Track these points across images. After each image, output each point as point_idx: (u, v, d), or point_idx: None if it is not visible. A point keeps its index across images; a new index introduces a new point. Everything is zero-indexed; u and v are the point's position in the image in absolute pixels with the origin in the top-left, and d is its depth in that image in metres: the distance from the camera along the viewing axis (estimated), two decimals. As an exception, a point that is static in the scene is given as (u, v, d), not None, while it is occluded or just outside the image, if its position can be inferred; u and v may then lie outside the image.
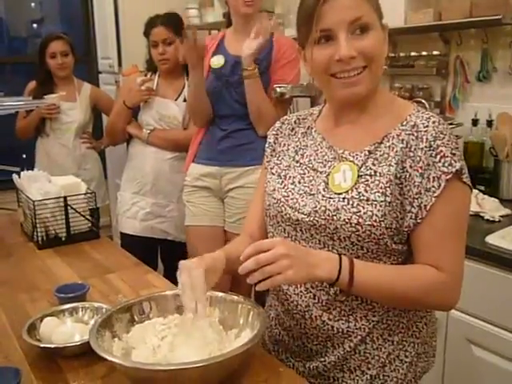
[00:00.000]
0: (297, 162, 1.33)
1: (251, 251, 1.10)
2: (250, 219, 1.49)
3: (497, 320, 1.90)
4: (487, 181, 2.46)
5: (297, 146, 1.35)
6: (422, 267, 1.17)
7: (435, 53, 2.70)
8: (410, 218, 1.16)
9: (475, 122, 2.56)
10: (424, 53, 2.71)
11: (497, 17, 2.21)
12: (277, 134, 1.43)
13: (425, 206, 1.14)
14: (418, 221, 1.15)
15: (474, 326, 1.97)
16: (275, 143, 1.42)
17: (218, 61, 2.45)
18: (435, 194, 1.13)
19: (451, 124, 2.53)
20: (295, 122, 1.42)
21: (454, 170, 1.12)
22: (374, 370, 1.26)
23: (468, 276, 1.93)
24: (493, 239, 1.93)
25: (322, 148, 1.29)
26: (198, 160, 2.59)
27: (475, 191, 2.32)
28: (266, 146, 1.44)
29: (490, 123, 2.51)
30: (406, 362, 1.27)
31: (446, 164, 1.12)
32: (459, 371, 2.04)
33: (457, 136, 2.51)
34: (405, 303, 1.23)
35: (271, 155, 1.41)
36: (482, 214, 2.20)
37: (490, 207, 2.22)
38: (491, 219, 2.16)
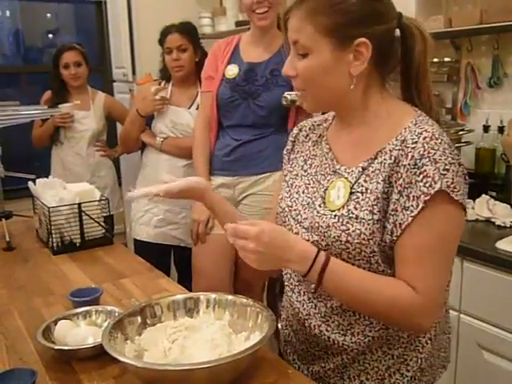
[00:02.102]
0: (305, 171, 1.32)
1: (230, 231, 1.12)
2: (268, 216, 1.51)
3: (508, 325, 1.90)
4: (499, 187, 2.46)
5: (306, 155, 1.35)
6: (399, 282, 1.13)
7: (446, 59, 2.71)
8: (387, 234, 1.13)
9: (486, 129, 2.56)
10: (435, 59, 2.72)
11: (507, 23, 2.22)
12: (294, 141, 1.42)
13: (400, 224, 1.11)
14: (394, 238, 1.12)
15: (484, 331, 1.97)
16: (292, 150, 1.41)
17: (232, 71, 2.43)
18: (412, 214, 1.09)
19: (462, 130, 2.54)
20: (310, 128, 1.40)
21: (432, 191, 1.06)
22: (372, 382, 1.26)
23: (479, 281, 1.95)
24: (503, 244, 1.94)
25: (326, 159, 1.28)
26: (212, 171, 2.59)
27: (486, 197, 2.32)
28: (284, 152, 1.43)
29: (501, 129, 2.51)
30: (407, 376, 1.25)
31: (427, 185, 1.07)
32: (470, 376, 2.03)
33: (468, 142, 2.53)
34: (371, 313, 1.19)
35: (287, 162, 1.41)
36: (493, 220, 2.20)
37: (502, 213, 2.23)
38: (502, 225, 2.16)
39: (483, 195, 2.35)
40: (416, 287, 1.11)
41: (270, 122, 2.42)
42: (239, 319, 1.31)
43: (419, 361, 1.25)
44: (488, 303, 1.95)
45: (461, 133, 2.53)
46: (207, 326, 1.28)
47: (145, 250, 2.91)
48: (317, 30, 1.13)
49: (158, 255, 2.84)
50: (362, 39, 1.13)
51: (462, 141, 2.54)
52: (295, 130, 1.44)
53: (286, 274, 1.33)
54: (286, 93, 2.39)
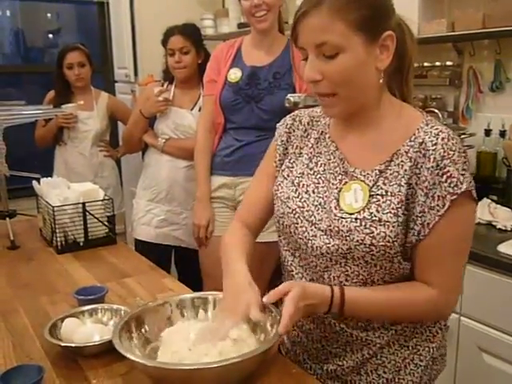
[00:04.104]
0: (310, 169, 1.30)
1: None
2: (248, 206, 1.46)
3: (508, 328, 1.92)
4: (500, 190, 2.48)
5: (310, 153, 1.32)
6: (415, 291, 1.20)
7: (448, 63, 2.72)
8: (413, 235, 1.16)
9: (488, 132, 2.57)
10: (437, 63, 2.74)
11: (510, 28, 2.23)
12: (289, 132, 1.38)
13: (428, 224, 1.14)
14: (421, 237, 1.15)
15: (485, 334, 1.98)
16: (288, 142, 1.37)
17: (234, 75, 2.45)
18: (439, 213, 1.12)
19: (464, 134, 2.56)
20: (308, 123, 1.36)
21: (459, 191, 1.11)
22: (389, 374, 1.28)
23: (480, 284, 1.97)
24: (505, 248, 1.96)
25: (334, 158, 1.26)
26: (213, 171, 2.60)
27: (487, 200, 2.34)
28: (279, 142, 1.38)
29: (502, 133, 2.53)
30: (420, 365, 1.28)
31: (452, 185, 1.11)
32: (470, 379, 2.05)
33: (469, 146, 2.54)
34: (398, 322, 1.27)
35: (283, 154, 1.37)
36: (494, 223, 2.22)
37: (503, 216, 2.24)
38: (503, 228, 2.18)
39: (484, 199, 2.37)
40: (438, 285, 1.17)
41: (273, 124, 2.41)
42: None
43: (431, 350, 1.29)
44: (489, 306, 1.96)
45: (462, 136, 2.54)
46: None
47: (145, 250, 2.90)
48: (347, 27, 1.09)
49: (158, 255, 2.84)
50: (389, 32, 1.13)
51: (464, 144, 2.55)
52: (289, 121, 1.40)
53: (297, 273, 1.31)
54: (289, 95, 2.40)
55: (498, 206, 2.32)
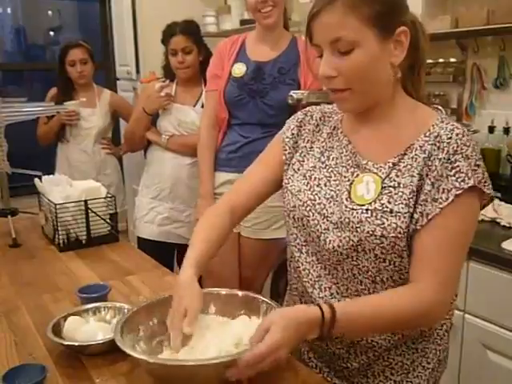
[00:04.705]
0: (322, 163, 1.30)
1: (246, 365, 1.04)
2: (239, 191, 1.45)
3: (513, 325, 1.91)
4: (504, 188, 2.46)
5: (322, 147, 1.32)
6: (407, 300, 1.14)
7: (452, 60, 2.71)
8: (411, 223, 1.14)
9: (492, 129, 2.56)
10: (441, 60, 2.73)
11: (514, 24, 2.22)
12: (300, 126, 1.38)
13: (427, 214, 1.12)
14: (418, 227, 1.14)
15: (489, 331, 1.98)
16: (298, 135, 1.37)
17: (239, 69, 2.44)
18: (441, 206, 1.11)
19: (468, 131, 2.54)
20: (320, 118, 1.37)
21: (466, 186, 1.10)
22: (397, 376, 1.27)
23: (484, 281, 1.96)
24: (509, 245, 1.95)
25: (347, 152, 1.27)
26: (217, 167, 2.60)
27: (491, 197, 2.32)
28: (289, 134, 1.38)
29: (506, 130, 2.52)
30: (428, 368, 1.27)
31: (459, 179, 1.11)
32: (474, 376, 2.04)
33: (473, 143, 2.52)
34: (392, 331, 1.24)
35: (293, 147, 1.37)
36: (498, 221, 2.21)
37: (507, 213, 2.23)
38: (507, 225, 2.17)
39: (488, 196, 2.35)
40: (432, 281, 1.13)
41: (278, 120, 2.40)
42: (253, 316, 1.29)
43: (438, 353, 1.28)
44: (493, 303, 1.96)
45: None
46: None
47: (148, 248, 2.90)
48: (361, 22, 1.10)
49: (161, 253, 2.83)
50: (403, 27, 1.14)
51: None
52: (300, 115, 1.40)
53: (304, 269, 1.30)
54: (292, 92, 2.39)
55: (502, 203, 2.31)
